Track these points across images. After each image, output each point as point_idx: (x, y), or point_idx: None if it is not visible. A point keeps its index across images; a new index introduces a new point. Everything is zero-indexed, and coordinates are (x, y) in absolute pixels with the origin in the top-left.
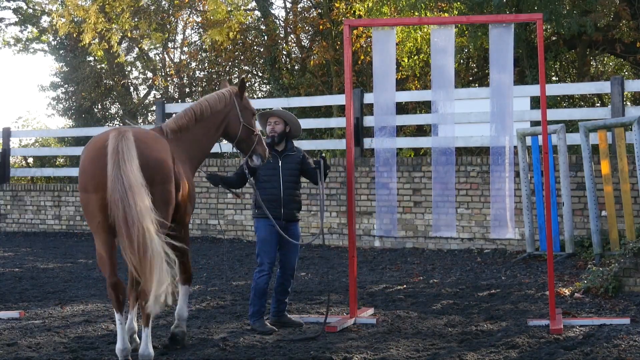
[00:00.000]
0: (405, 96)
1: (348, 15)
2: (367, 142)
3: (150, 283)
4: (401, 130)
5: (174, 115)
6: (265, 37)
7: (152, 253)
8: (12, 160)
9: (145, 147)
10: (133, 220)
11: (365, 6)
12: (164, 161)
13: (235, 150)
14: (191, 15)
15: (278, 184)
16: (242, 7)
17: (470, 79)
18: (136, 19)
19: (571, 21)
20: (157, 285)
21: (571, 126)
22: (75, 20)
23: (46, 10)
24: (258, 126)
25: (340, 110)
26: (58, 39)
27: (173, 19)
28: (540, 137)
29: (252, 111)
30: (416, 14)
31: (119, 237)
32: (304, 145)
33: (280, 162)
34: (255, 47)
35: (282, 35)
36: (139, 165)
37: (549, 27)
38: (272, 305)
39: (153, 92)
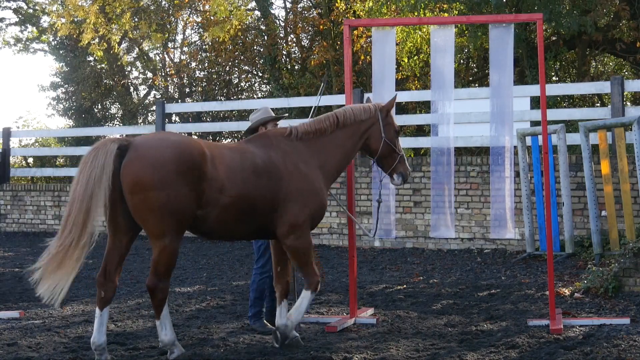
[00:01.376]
0: (405, 96)
1: (348, 15)
2: None
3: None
4: (401, 130)
5: (174, 115)
6: (265, 37)
7: (68, 258)
8: (12, 160)
9: (129, 157)
10: (71, 224)
11: (366, 6)
12: (147, 170)
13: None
14: (191, 15)
15: None
16: (242, 7)
17: (470, 79)
18: (136, 19)
19: (571, 20)
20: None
21: (571, 126)
22: (76, 20)
23: (46, 10)
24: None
25: None
26: (58, 39)
27: (173, 19)
28: (540, 137)
29: (396, 129)
30: (416, 14)
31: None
32: None
33: None
34: (255, 47)
35: (282, 35)
36: (98, 175)
37: (549, 27)
38: (266, 304)
39: (153, 92)
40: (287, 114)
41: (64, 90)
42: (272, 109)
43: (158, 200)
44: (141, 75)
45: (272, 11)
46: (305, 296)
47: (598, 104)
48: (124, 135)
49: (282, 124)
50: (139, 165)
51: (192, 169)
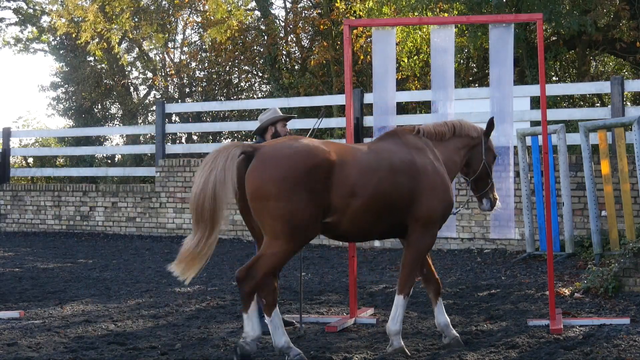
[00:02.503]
0: (405, 96)
1: (348, 15)
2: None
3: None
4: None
5: (174, 115)
6: (265, 37)
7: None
8: (12, 160)
9: (256, 163)
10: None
11: (366, 6)
12: (268, 180)
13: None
14: (191, 15)
15: None
16: (242, 7)
17: (470, 79)
18: (136, 19)
19: (571, 20)
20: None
21: (571, 126)
22: (75, 20)
23: (46, 10)
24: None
25: (340, 110)
26: (58, 39)
27: (173, 19)
28: (540, 137)
29: (494, 155)
30: (416, 14)
31: None
32: None
33: None
34: (255, 47)
35: (282, 35)
36: (221, 177)
37: (548, 27)
38: None
39: (153, 92)
40: (295, 115)
41: (64, 90)
42: (278, 109)
43: (278, 210)
44: (141, 75)
45: (272, 11)
46: (399, 303)
47: (598, 104)
48: (124, 135)
49: (290, 124)
50: (261, 174)
51: (316, 179)
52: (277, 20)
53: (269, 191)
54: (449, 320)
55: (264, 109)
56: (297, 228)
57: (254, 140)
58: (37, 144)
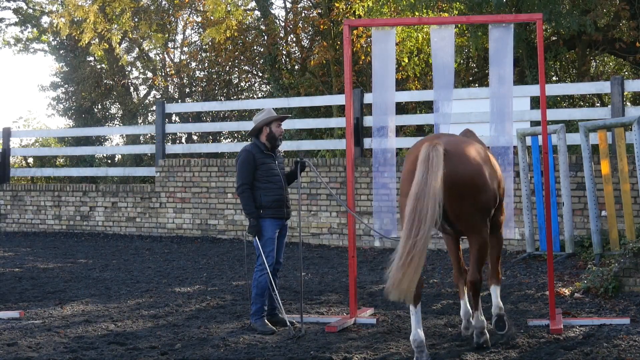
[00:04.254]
0: (405, 96)
1: (348, 15)
2: (367, 142)
3: (400, 278)
4: (401, 130)
5: (174, 115)
6: (265, 37)
7: (418, 255)
8: (12, 160)
9: (455, 160)
10: (415, 223)
11: (365, 6)
12: (473, 174)
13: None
14: (191, 15)
15: (282, 184)
16: (242, 7)
17: (470, 79)
18: (136, 19)
19: (571, 20)
20: (406, 281)
21: (571, 126)
22: (76, 20)
23: (46, 11)
24: None
25: (340, 110)
26: (58, 39)
27: (173, 19)
28: (540, 137)
29: None
30: (416, 14)
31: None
32: (304, 145)
33: (277, 162)
34: (255, 47)
35: (282, 35)
36: (441, 177)
37: (548, 27)
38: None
39: (153, 92)
40: (290, 115)
41: (64, 90)
42: (272, 109)
43: (485, 201)
44: (141, 75)
45: (272, 11)
46: (498, 293)
47: (598, 104)
48: (124, 135)
49: (285, 124)
50: (471, 169)
51: (497, 171)
52: (277, 20)
53: (481, 182)
54: (499, 314)
55: (259, 109)
56: (490, 214)
57: (249, 141)
58: (37, 144)
